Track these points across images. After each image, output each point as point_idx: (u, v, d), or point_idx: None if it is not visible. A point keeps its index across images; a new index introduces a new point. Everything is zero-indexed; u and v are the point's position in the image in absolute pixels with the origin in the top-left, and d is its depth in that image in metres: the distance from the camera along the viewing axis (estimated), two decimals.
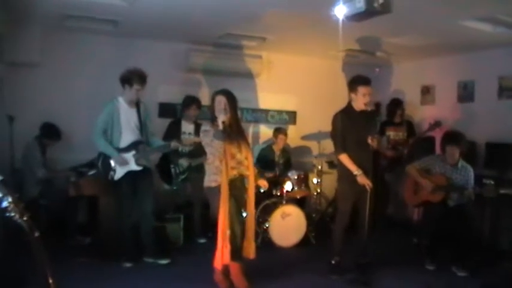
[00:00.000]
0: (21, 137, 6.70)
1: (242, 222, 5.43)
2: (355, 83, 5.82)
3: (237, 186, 5.38)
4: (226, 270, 5.39)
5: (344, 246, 5.97)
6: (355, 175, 5.66)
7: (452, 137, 6.42)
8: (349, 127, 5.78)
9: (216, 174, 5.29)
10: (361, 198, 5.75)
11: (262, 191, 7.22)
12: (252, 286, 5.39)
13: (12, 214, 2.60)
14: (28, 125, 6.97)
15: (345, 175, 5.83)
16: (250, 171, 5.45)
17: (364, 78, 5.83)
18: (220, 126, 5.14)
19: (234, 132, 5.37)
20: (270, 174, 7.72)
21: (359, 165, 5.67)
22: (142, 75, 6.02)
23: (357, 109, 5.80)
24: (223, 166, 5.18)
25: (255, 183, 5.53)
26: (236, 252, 5.32)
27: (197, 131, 6.64)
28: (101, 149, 6.04)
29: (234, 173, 5.31)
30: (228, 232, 5.17)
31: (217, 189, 5.21)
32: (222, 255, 5.19)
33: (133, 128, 6.13)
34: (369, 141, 5.59)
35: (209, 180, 5.39)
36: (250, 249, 5.41)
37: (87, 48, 7.82)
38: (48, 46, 7.47)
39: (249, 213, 5.46)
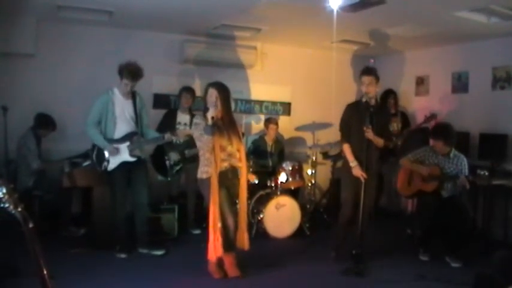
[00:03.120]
0: (15, 127, 6.69)
1: (235, 212, 5.45)
2: (360, 74, 5.91)
3: (228, 177, 5.40)
4: (220, 260, 5.41)
5: (345, 237, 6.02)
6: (351, 166, 5.70)
7: (438, 131, 6.42)
8: (353, 119, 5.88)
9: (207, 166, 5.30)
10: (359, 190, 5.78)
11: (256, 182, 7.27)
12: (246, 276, 5.43)
13: (7, 205, 2.59)
14: (22, 115, 6.96)
15: (347, 165, 5.89)
16: (242, 163, 5.47)
17: (364, 68, 5.94)
18: (210, 121, 5.13)
19: (226, 125, 5.37)
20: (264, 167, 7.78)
21: (358, 157, 5.73)
22: (133, 71, 5.95)
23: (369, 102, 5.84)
24: (213, 161, 5.19)
25: (244, 167, 5.52)
26: (229, 243, 5.35)
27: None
28: (92, 139, 6.04)
29: (224, 164, 5.33)
30: (218, 225, 5.19)
31: (208, 181, 5.23)
32: (214, 248, 5.22)
33: (128, 120, 6.11)
34: (365, 133, 5.60)
35: (201, 172, 5.40)
36: (243, 240, 5.44)
37: (82, 39, 7.79)
38: (43, 37, 7.45)
39: (241, 205, 5.49)
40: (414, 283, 5.47)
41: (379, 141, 5.77)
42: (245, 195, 5.51)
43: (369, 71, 5.86)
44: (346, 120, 5.97)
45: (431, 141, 6.44)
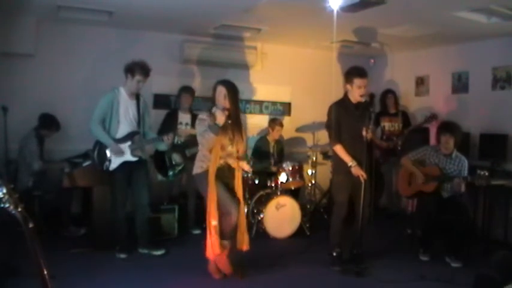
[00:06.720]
0: (15, 127, 6.69)
1: (237, 203, 5.38)
2: (351, 74, 5.79)
3: (225, 174, 5.40)
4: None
5: (344, 237, 5.98)
6: (350, 166, 5.66)
7: (447, 126, 6.42)
8: (343, 118, 5.77)
9: (202, 161, 5.33)
10: (356, 190, 5.75)
11: (256, 182, 7.28)
12: (246, 277, 5.43)
13: (7, 205, 2.59)
14: (22, 115, 6.97)
15: (340, 166, 5.81)
16: (236, 165, 5.45)
17: (360, 70, 5.79)
18: (221, 122, 5.12)
19: (232, 124, 5.35)
20: (272, 168, 7.82)
21: (353, 156, 5.67)
22: (145, 67, 6.00)
23: (353, 101, 5.78)
24: (212, 157, 5.22)
25: (238, 166, 5.47)
26: (228, 234, 5.35)
27: (194, 121, 6.62)
28: (97, 137, 6.01)
29: (220, 162, 5.32)
30: (213, 223, 5.17)
31: (203, 175, 5.25)
32: (212, 246, 5.22)
33: (131, 120, 6.11)
34: (364, 133, 5.57)
35: (196, 167, 5.42)
36: (243, 241, 5.43)
37: (82, 39, 7.79)
38: (43, 37, 7.45)
39: (240, 205, 5.45)
40: (414, 283, 5.46)
41: (381, 142, 5.74)
42: (241, 195, 5.48)
43: (363, 73, 5.76)
44: (335, 120, 5.80)
45: (439, 138, 6.43)
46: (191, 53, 8.40)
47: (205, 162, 5.28)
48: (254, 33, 8.17)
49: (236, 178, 5.44)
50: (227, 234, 5.33)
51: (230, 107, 5.30)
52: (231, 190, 5.41)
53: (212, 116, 5.22)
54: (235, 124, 5.40)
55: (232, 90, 5.36)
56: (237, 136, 5.40)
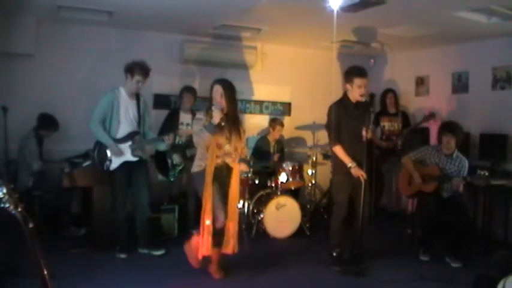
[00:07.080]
0: (15, 127, 6.69)
1: (225, 210, 5.33)
2: (350, 74, 5.78)
3: (223, 173, 5.36)
4: (205, 258, 5.40)
5: (344, 237, 5.97)
6: (349, 167, 5.65)
7: (449, 126, 6.42)
8: (344, 118, 5.75)
9: (200, 160, 5.33)
10: (356, 190, 5.75)
11: (256, 182, 7.28)
12: (246, 277, 5.45)
13: (7, 205, 2.59)
14: (22, 116, 6.97)
15: (340, 166, 5.80)
16: (235, 164, 5.42)
17: (360, 70, 5.78)
18: (216, 121, 5.10)
19: (229, 123, 5.33)
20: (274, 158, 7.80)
21: (353, 156, 5.66)
22: (145, 67, 6.01)
23: (353, 100, 5.77)
24: (209, 157, 5.21)
25: (236, 166, 5.41)
26: (216, 240, 5.29)
27: None
28: (97, 137, 6.00)
29: (218, 161, 5.30)
30: (207, 222, 5.15)
31: (201, 174, 5.24)
32: (201, 246, 5.20)
33: (132, 120, 6.11)
34: (363, 132, 5.57)
35: (194, 166, 5.43)
36: (228, 244, 5.31)
37: (82, 39, 7.79)
38: (43, 37, 7.45)
39: (232, 206, 5.36)
40: (414, 283, 5.47)
41: (381, 142, 5.73)
42: (236, 197, 5.42)
43: (364, 73, 5.76)
44: (335, 120, 5.78)
45: (440, 138, 6.43)
46: (191, 53, 8.40)
47: (204, 161, 5.27)
48: (254, 33, 8.16)
49: (234, 176, 5.40)
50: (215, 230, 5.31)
51: (227, 105, 5.28)
52: (225, 194, 5.34)
53: (209, 115, 5.22)
54: (232, 123, 5.38)
55: (229, 89, 5.34)
56: (234, 135, 5.37)
